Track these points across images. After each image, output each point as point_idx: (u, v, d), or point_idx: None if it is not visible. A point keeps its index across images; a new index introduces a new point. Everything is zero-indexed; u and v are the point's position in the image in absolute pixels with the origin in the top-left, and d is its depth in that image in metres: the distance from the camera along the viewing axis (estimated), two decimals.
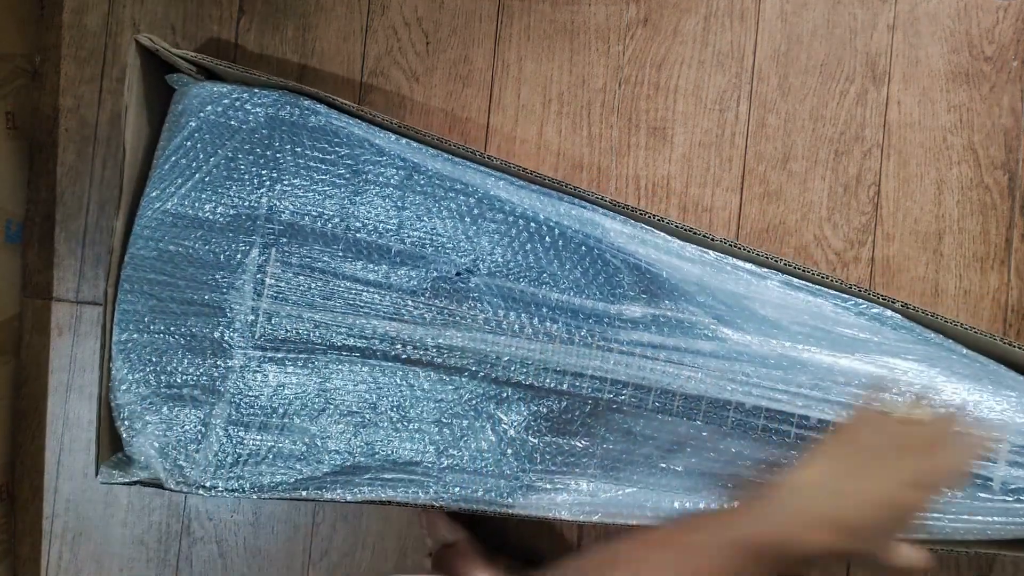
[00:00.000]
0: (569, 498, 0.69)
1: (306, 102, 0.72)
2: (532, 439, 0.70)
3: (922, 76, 0.83)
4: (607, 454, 0.70)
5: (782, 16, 0.84)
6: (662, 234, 0.71)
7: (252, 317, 0.70)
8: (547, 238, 0.71)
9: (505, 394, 0.70)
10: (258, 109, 0.72)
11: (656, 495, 0.69)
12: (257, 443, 0.71)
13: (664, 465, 0.69)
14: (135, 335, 0.72)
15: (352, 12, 0.87)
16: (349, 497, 0.70)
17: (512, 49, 0.86)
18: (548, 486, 0.70)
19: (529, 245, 0.71)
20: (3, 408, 0.88)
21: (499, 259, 0.71)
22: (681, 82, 0.84)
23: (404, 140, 0.72)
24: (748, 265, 0.71)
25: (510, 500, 0.69)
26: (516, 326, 0.69)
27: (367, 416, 0.71)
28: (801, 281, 0.71)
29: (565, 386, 0.68)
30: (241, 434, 0.71)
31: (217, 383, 0.71)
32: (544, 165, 0.85)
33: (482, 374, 0.69)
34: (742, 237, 0.83)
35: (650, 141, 0.84)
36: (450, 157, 0.72)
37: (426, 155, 0.72)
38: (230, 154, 0.71)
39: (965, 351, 0.69)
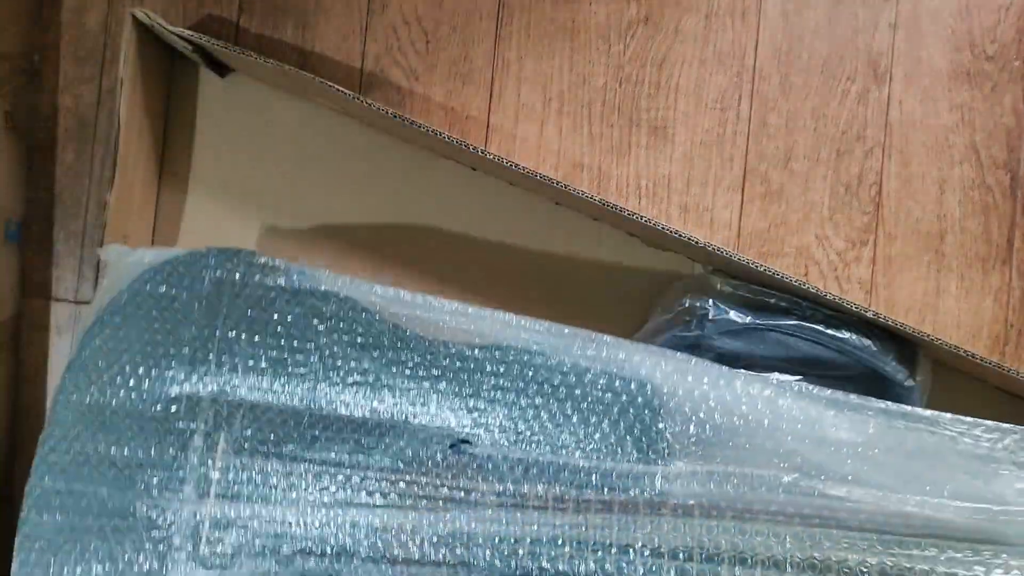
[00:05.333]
0: None
1: (260, 259, 0.61)
2: None
3: (924, 75, 0.83)
4: None
5: (783, 15, 0.84)
6: (711, 365, 0.61)
7: (195, 524, 0.55)
8: (562, 388, 0.58)
9: None
10: (202, 272, 0.60)
11: None
12: None
13: None
14: (42, 571, 0.56)
15: (351, 11, 0.87)
16: None
17: (512, 48, 0.86)
18: None
19: (539, 399, 0.58)
20: (2, 408, 0.88)
21: (504, 421, 0.57)
22: (682, 81, 0.84)
23: (382, 290, 0.61)
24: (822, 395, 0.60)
25: None
26: (535, 499, 0.55)
27: None
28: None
29: (611, 568, 0.54)
30: None
31: None
32: (544, 164, 0.85)
33: (497, 566, 0.54)
34: (743, 237, 0.83)
35: (651, 140, 0.84)
36: (440, 305, 0.61)
37: (408, 306, 0.61)
38: (168, 327, 0.59)
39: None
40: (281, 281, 0.60)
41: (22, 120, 0.88)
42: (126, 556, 0.55)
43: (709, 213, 0.83)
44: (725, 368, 0.60)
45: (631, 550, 0.54)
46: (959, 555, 0.57)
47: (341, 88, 0.72)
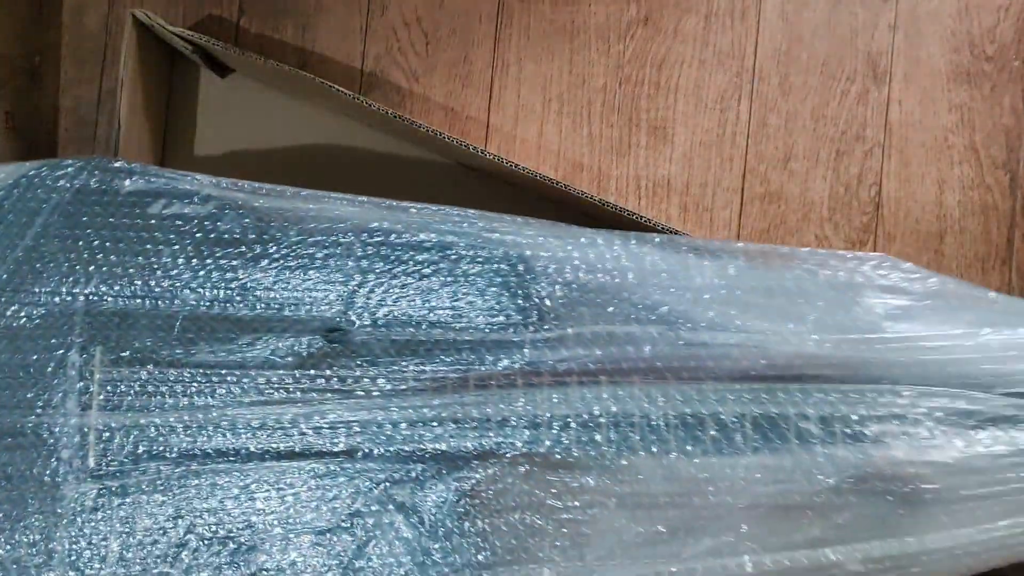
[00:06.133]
0: None
1: (117, 164, 0.59)
2: (461, 526, 0.54)
3: (923, 76, 0.83)
4: (563, 529, 0.54)
5: (783, 15, 0.84)
6: (572, 227, 0.61)
7: (79, 438, 0.55)
8: (430, 265, 0.58)
9: (414, 472, 0.55)
10: (61, 183, 0.58)
11: (638, 569, 0.55)
12: None
13: (641, 529, 0.54)
14: None
15: (352, 12, 0.87)
16: None
17: (512, 49, 0.86)
18: None
19: (409, 279, 0.58)
20: None
21: (375, 304, 0.57)
22: (682, 81, 0.84)
23: (242, 185, 0.60)
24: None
25: None
26: (412, 381, 0.55)
27: (242, 539, 0.54)
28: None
29: (489, 443, 0.54)
30: None
31: (48, 540, 0.54)
32: (544, 165, 0.85)
33: (380, 451, 0.54)
34: (743, 237, 0.83)
35: (651, 141, 0.84)
36: (301, 194, 0.61)
37: (269, 197, 0.60)
38: (31, 243, 0.57)
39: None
40: (141, 184, 0.58)
41: (22, 120, 0.88)
42: (19, 474, 0.54)
43: (709, 213, 0.83)
44: (588, 229, 0.60)
45: (509, 424, 0.54)
46: (827, 396, 0.57)
47: (341, 88, 0.72)
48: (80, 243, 0.57)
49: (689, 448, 0.56)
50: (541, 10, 0.86)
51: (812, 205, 0.83)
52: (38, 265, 0.57)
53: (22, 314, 0.56)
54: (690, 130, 0.84)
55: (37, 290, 0.57)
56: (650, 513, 0.55)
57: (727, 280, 0.59)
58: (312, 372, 0.55)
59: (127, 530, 0.54)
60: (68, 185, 0.58)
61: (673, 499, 0.55)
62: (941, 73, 0.82)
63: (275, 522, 0.54)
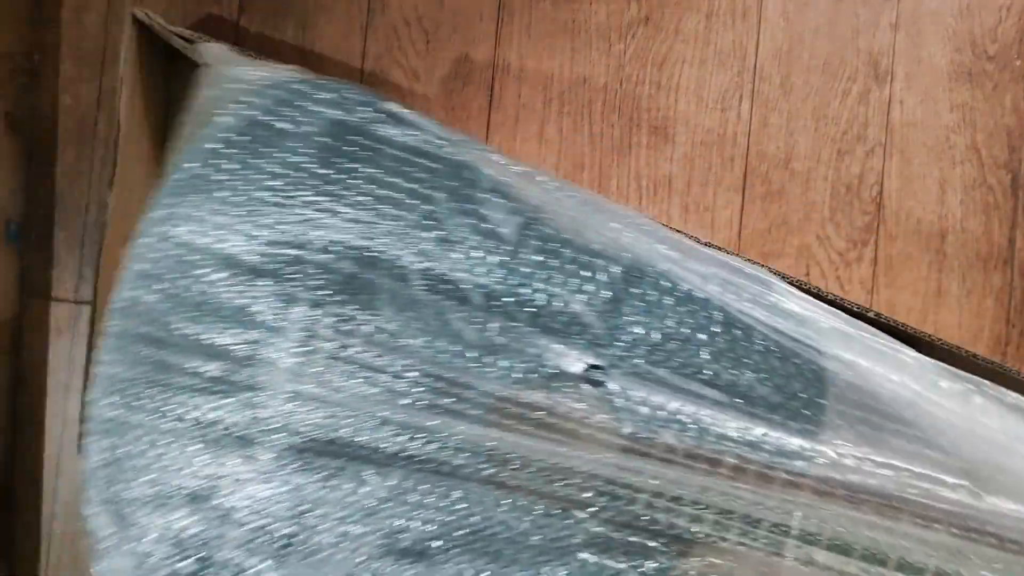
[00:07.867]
0: None
1: (389, 105, 0.52)
2: None
3: (925, 75, 0.83)
4: None
5: (784, 15, 0.84)
6: (900, 349, 0.51)
7: (289, 400, 0.47)
8: (722, 331, 0.49)
9: (638, 541, 0.47)
10: (320, 108, 0.50)
11: None
12: None
13: None
14: (121, 411, 0.49)
15: (352, 11, 0.87)
16: None
17: (513, 48, 0.86)
18: None
19: (700, 335, 0.49)
20: (1, 409, 0.88)
21: (648, 353, 0.48)
22: (683, 81, 0.84)
23: (522, 171, 0.51)
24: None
25: None
26: (666, 448, 0.47)
27: (431, 555, 0.47)
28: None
29: (733, 535, 0.47)
30: (255, 565, 0.46)
31: (223, 495, 0.47)
32: (545, 164, 0.85)
33: (609, 514, 0.46)
34: (744, 237, 0.83)
35: (651, 140, 0.84)
36: (596, 201, 0.52)
37: (556, 194, 0.51)
38: (277, 168, 0.49)
39: None
40: (411, 139, 0.50)
41: (22, 120, 0.88)
42: (208, 418, 0.47)
43: (710, 213, 0.83)
44: (925, 361, 0.51)
45: (760, 523, 0.47)
46: None
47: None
48: (330, 184, 0.48)
49: None
50: (542, 9, 0.86)
51: (813, 205, 0.83)
52: (279, 195, 0.48)
53: (250, 246, 0.47)
54: (691, 130, 0.84)
55: (271, 223, 0.47)
56: None
57: None
58: (554, 403, 0.47)
59: (303, 511, 0.46)
60: (328, 114, 0.49)
61: None
62: (943, 72, 0.82)
63: (470, 550, 0.46)
